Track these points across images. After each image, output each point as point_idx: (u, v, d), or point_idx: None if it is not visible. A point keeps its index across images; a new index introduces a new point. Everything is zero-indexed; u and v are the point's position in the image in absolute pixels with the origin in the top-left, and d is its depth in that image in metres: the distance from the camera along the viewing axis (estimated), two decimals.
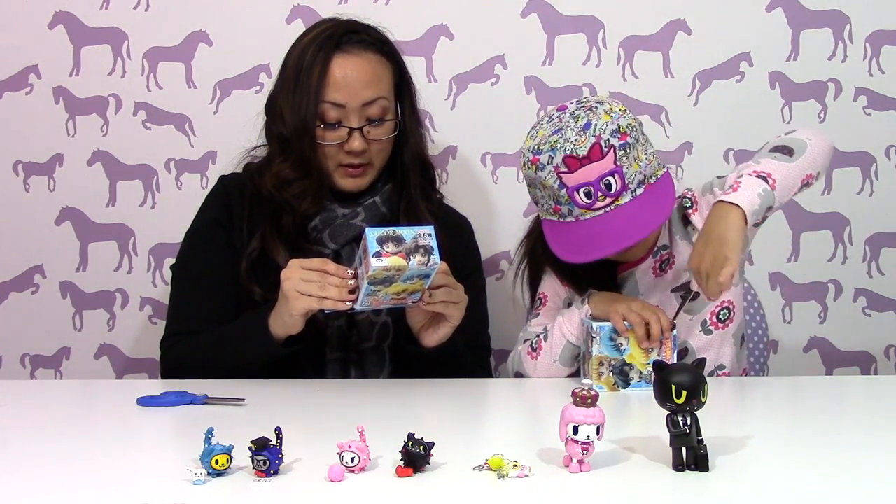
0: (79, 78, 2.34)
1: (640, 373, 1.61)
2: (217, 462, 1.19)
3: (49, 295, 2.39)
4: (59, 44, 2.33)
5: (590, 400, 1.19)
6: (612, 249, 1.64)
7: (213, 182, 2.00)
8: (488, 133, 2.31)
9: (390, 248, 1.52)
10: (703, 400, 1.19)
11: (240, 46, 2.31)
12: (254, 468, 1.19)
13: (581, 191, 1.62)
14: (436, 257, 1.55)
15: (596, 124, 1.62)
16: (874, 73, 2.27)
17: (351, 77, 1.81)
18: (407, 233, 1.55)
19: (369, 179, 1.86)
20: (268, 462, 1.19)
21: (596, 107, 1.66)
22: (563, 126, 1.64)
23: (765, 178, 1.58)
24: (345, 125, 1.81)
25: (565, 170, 1.61)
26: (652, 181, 1.66)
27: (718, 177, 1.74)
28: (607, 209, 1.63)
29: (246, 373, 1.69)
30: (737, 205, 1.56)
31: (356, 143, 1.81)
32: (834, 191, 2.30)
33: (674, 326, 1.63)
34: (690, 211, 1.77)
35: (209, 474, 1.18)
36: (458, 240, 1.93)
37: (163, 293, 2.38)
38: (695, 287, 1.61)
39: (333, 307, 1.61)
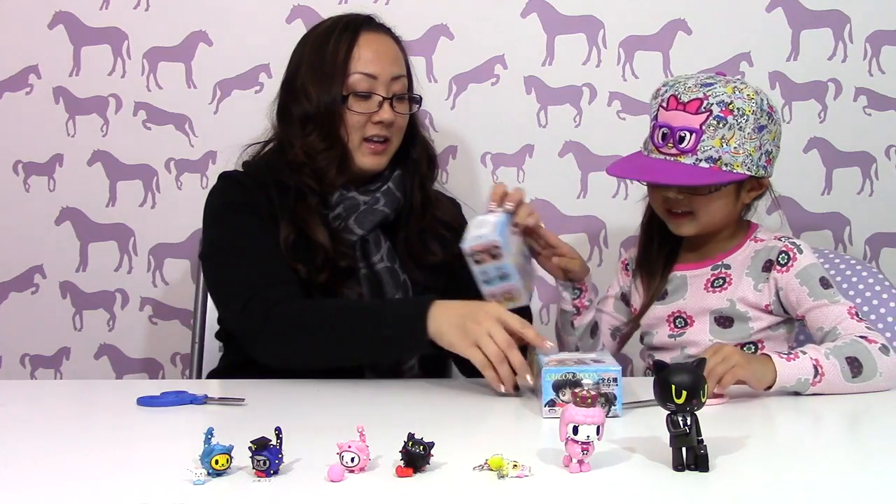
0: (79, 78, 2.34)
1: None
2: (217, 462, 1.19)
3: (49, 295, 2.39)
4: (59, 44, 2.34)
5: (590, 400, 1.19)
6: (637, 177, 1.81)
7: (213, 182, 1.94)
8: (488, 133, 2.32)
9: (566, 395, 1.41)
10: (703, 400, 1.19)
11: (240, 46, 2.31)
12: (254, 468, 1.19)
13: (661, 130, 1.69)
14: (618, 408, 1.43)
15: (715, 88, 1.67)
16: (874, 73, 2.27)
17: (381, 52, 1.87)
18: (589, 376, 1.43)
19: (387, 159, 1.89)
20: (268, 462, 1.19)
21: (733, 82, 1.70)
22: (696, 77, 1.72)
23: (816, 374, 1.55)
24: (376, 94, 1.84)
25: (665, 106, 1.70)
26: (724, 168, 1.66)
27: (822, 282, 1.70)
28: (668, 158, 1.67)
29: (351, 359, 1.69)
30: (775, 376, 1.53)
31: (386, 113, 1.84)
32: (834, 191, 2.30)
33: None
34: (779, 267, 1.73)
35: (209, 474, 1.18)
36: (458, 216, 1.99)
37: (163, 293, 2.38)
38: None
39: (494, 385, 1.55)
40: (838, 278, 1.98)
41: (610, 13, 2.28)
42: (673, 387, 1.18)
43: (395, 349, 1.69)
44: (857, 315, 1.67)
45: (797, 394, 1.56)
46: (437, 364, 1.88)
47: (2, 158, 2.38)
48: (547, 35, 2.29)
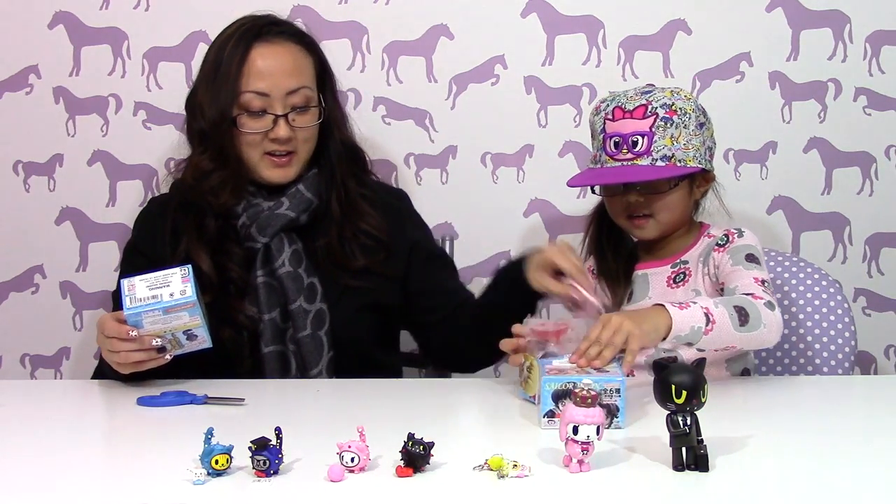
0: (79, 78, 2.34)
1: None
2: (217, 462, 1.19)
3: (49, 295, 2.39)
4: (59, 44, 2.33)
5: (590, 400, 1.20)
6: (602, 182, 1.80)
7: None
8: (488, 133, 2.31)
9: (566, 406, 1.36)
10: (703, 400, 1.19)
11: None
12: (254, 468, 1.19)
13: (612, 139, 1.75)
14: (620, 419, 1.38)
15: (654, 94, 1.77)
16: (874, 73, 2.26)
17: (274, 66, 1.81)
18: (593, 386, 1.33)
19: (295, 170, 1.85)
20: (268, 462, 1.19)
21: (668, 88, 1.79)
22: (632, 89, 1.81)
23: (708, 321, 1.56)
24: (269, 112, 1.80)
25: (611, 118, 1.77)
26: (678, 164, 1.73)
27: (748, 256, 1.73)
28: (625, 163, 1.74)
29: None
30: (670, 320, 1.54)
31: (281, 130, 1.80)
32: (834, 191, 2.30)
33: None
34: (717, 247, 1.77)
35: (209, 474, 1.19)
36: (393, 216, 1.93)
37: None
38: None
39: (150, 365, 1.61)
40: (794, 281, 2.01)
41: (610, 13, 2.28)
42: (673, 387, 1.18)
43: (117, 379, 1.69)
44: (763, 283, 1.69)
45: (690, 345, 1.57)
46: (350, 369, 1.83)
47: (2, 158, 2.37)
48: (547, 35, 2.29)
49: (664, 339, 1.55)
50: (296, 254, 1.83)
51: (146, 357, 1.60)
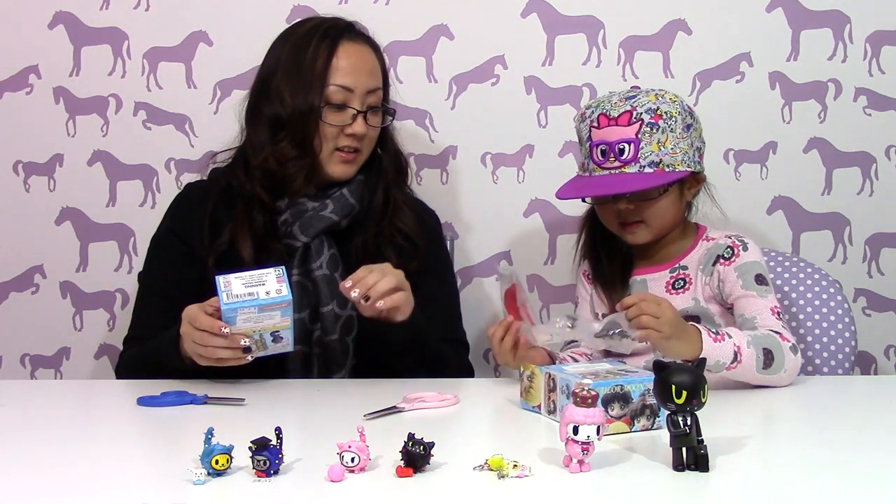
0: (79, 78, 2.34)
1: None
2: (217, 462, 1.19)
3: (49, 295, 2.39)
4: (59, 44, 2.33)
5: (590, 400, 1.20)
6: (590, 194, 1.80)
7: None
8: (488, 133, 2.31)
9: (615, 410, 1.36)
10: (703, 400, 1.19)
11: (240, 46, 2.31)
12: (254, 468, 1.19)
13: (599, 148, 1.74)
14: (661, 419, 1.35)
15: (639, 99, 1.75)
16: (874, 73, 2.27)
17: (358, 64, 1.87)
18: (635, 388, 1.37)
19: (356, 169, 1.90)
20: (268, 462, 1.19)
21: (654, 91, 1.77)
22: (617, 93, 1.79)
23: (734, 360, 1.58)
24: (350, 107, 1.84)
25: (596, 125, 1.75)
26: (666, 170, 1.72)
27: (757, 278, 1.73)
28: (613, 171, 1.73)
29: (191, 374, 1.69)
30: (700, 347, 1.56)
31: (358, 126, 1.85)
32: (834, 191, 2.30)
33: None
34: (723, 261, 1.77)
35: (209, 474, 1.18)
36: (427, 231, 1.96)
37: None
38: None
39: (231, 364, 1.62)
40: (794, 281, 2.02)
41: (610, 13, 2.28)
42: (673, 387, 1.18)
43: (172, 366, 1.69)
44: (779, 315, 1.71)
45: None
46: (371, 367, 1.83)
47: (2, 158, 2.38)
48: (547, 35, 2.29)
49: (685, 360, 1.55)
50: (333, 258, 1.85)
51: (231, 355, 1.61)
